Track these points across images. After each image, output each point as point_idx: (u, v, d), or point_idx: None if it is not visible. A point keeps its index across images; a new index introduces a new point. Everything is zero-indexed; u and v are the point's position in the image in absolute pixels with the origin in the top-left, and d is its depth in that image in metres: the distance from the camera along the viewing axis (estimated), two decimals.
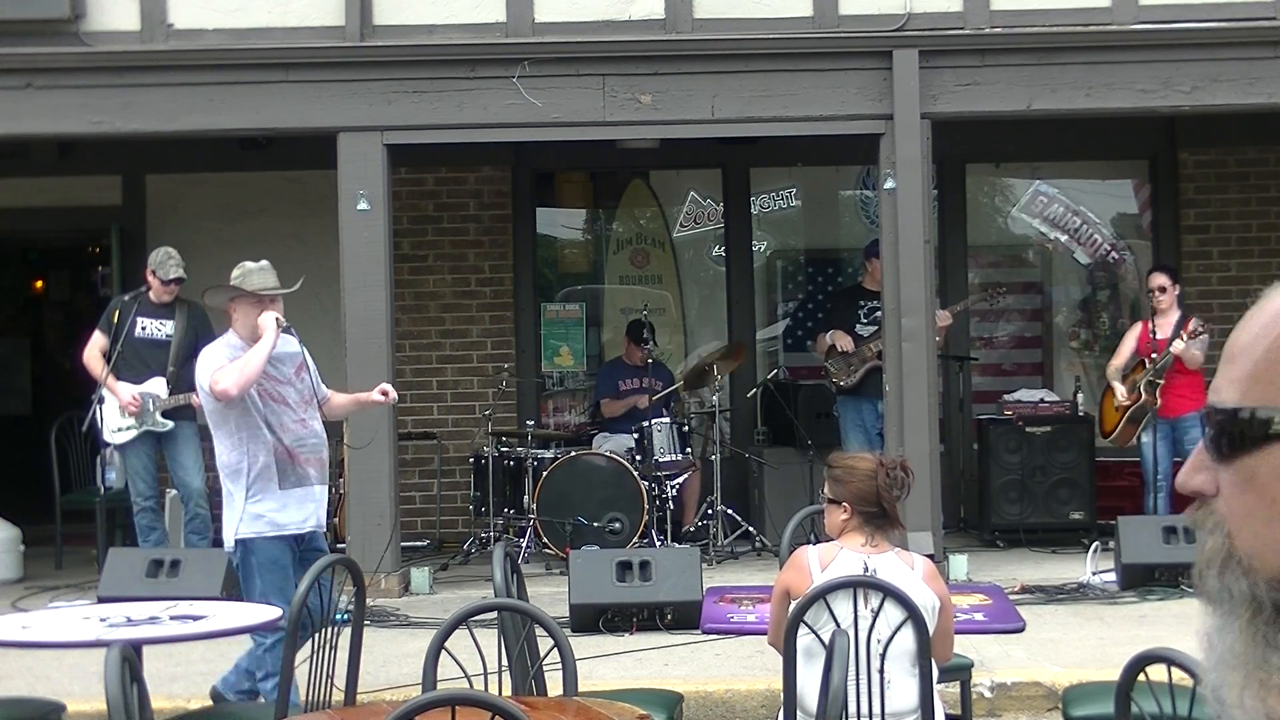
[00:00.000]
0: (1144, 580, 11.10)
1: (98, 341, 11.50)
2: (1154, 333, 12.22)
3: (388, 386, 8.57)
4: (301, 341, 8.34)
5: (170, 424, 11.40)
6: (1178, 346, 12.01)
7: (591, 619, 10.19)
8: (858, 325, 12.72)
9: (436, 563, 12.59)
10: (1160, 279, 12.46)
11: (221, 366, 7.99)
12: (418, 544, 13.41)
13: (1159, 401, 12.15)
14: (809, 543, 6.66)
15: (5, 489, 13.50)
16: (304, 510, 8.11)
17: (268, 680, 7.94)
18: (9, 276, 17.79)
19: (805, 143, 12.66)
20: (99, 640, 6.20)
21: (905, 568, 5.95)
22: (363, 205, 11.68)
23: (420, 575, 11.90)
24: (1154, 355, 12.13)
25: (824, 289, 14.78)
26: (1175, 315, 12.34)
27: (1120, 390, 12.33)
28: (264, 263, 8.39)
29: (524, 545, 12.49)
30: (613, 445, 13.04)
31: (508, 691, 6.05)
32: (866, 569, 5.87)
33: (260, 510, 8.01)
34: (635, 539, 12.22)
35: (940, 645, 5.97)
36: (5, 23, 11.67)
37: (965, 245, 14.68)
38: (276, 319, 8.07)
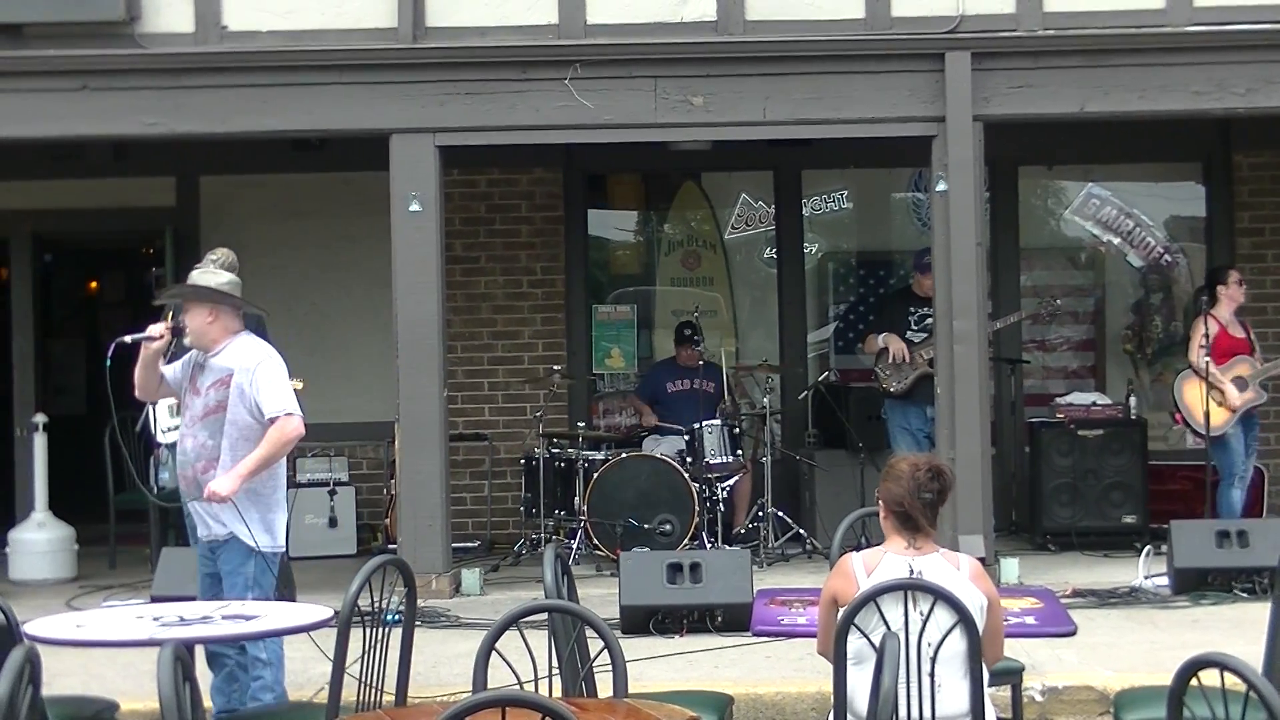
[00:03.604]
0: (1197, 584, 11.03)
1: None
2: (1229, 330, 12.30)
3: (214, 494, 7.83)
4: (258, 359, 8.04)
5: None
6: None
7: (642, 621, 10.20)
8: (908, 331, 12.67)
9: (487, 564, 12.61)
10: (1236, 274, 12.61)
11: None
12: (468, 545, 13.43)
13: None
14: (860, 546, 6.66)
15: (60, 489, 13.57)
16: (195, 519, 8.12)
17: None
18: (64, 278, 17.89)
19: (857, 145, 12.63)
20: (152, 639, 6.22)
21: (951, 568, 5.93)
22: (415, 207, 11.71)
23: (471, 576, 11.91)
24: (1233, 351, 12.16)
25: (875, 291, 14.75)
26: (1234, 314, 12.39)
27: (1233, 391, 12.22)
28: (208, 264, 8.28)
29: (574, 547, 12.52)
30: (664, 447, 13.04)
31: (558, 693, 6.05)
32: (912, 571, 5.85)
33: None
34: (686, 541, 12.23)
35: (990, 645, 5.94)
36: (61, 25, 11.74)
37: (1017, 248, 14.64)
38: (150, 333, 8.01)
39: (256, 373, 7.93)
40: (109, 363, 8.21)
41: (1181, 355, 13.16)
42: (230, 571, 7.99)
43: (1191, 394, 12.47)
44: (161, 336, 7.99)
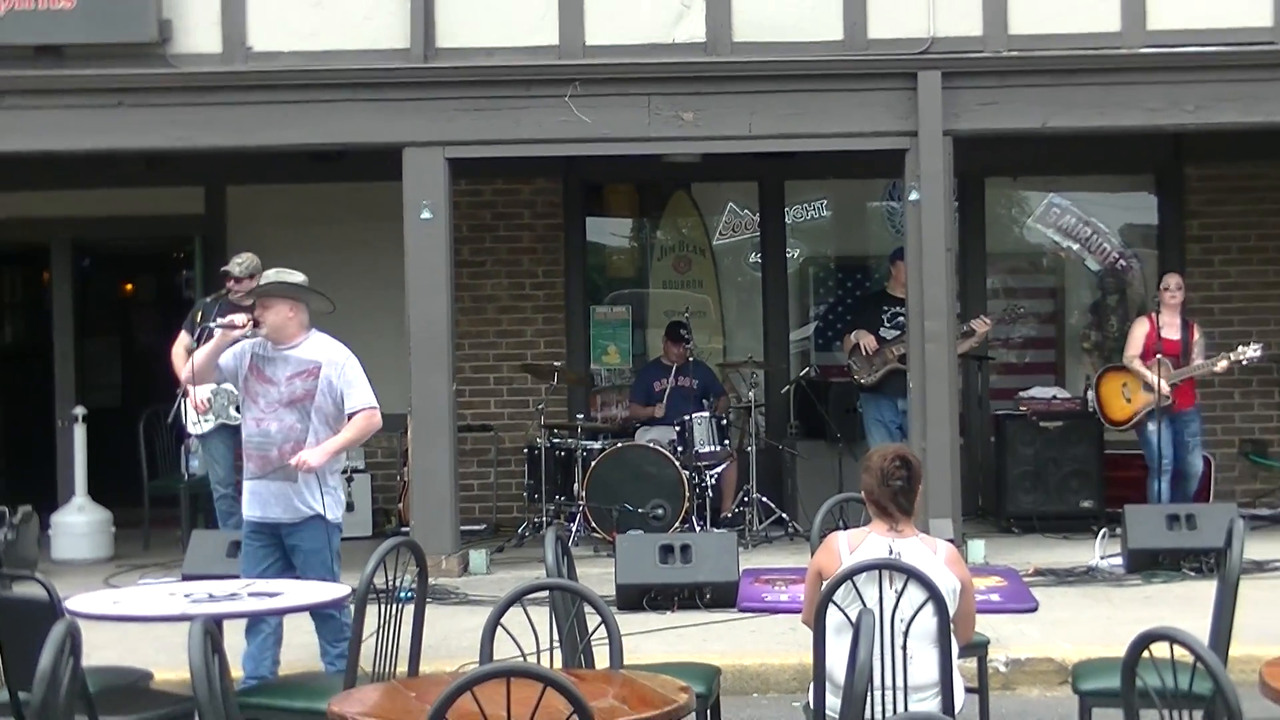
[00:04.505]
0: (1148, 564, 11.05)
1: (183, 341, 11.54)
2: (1160, 330, 12.22)
3: (303, 463, 7.96)
4: (342, 357, 8.18)
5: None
6: (1221, 366, 12.14)
7: (636, 598, 10.20)
8: (881, 329, 12.68)
9: (493, 545, 12.61)
10: (1175, 279, 12.47)
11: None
12: (476, 528, 13.43)
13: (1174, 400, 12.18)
14: (838, 529, 6.65)
15: (98, 476, 13.57)
16: (258, 501, 8.11)
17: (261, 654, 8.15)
18: (101, 281, 17.88)
19: (836, 157, 12.65)
20: (183, 614, 6.23)
21: (928, 552, 5.94)
22: (426, 214, 11.71)
23: (478, 557, 11.92)
24: (1161, 353, 12.10)
25: (853, 293, 14.75)
26: (1179, 317, 12.36)
27: (1142, 389, 12.24)
28: (279, 269, 8.36)
29: (574, 529, 12.51)
30: (656, 437, 13.04)
31: (559, 665, 6.06)
32: (891, 553, 5.87)
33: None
34: (677, 524, 12.22)
35: (962, 626, 5.96)
36: (98, 46, 11.74)
37: (984, 253, 14.64)
38: (232, 322, 8.03)
39: (345, 368, 8.12)
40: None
41: None
42: (315, 550, 8.05)
43: (1105, 388, 12.65)
44: (244, 326, 8.03)
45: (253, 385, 8.08)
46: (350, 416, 8.11)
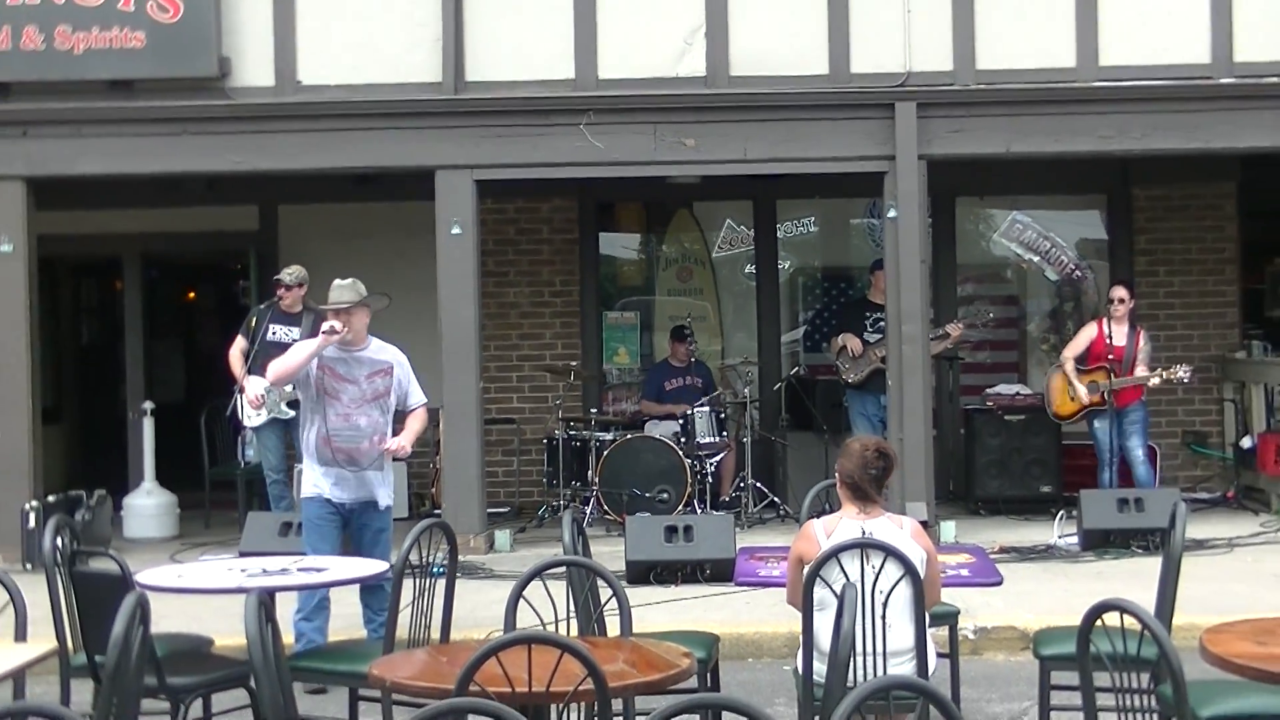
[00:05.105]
0: (1101, 543, 11.06)
1: (239, 344, 11.56)
2: (1110, 338, 12.19)
3: (402, 446, 8.18)
4: (403, 358, 8.30)
5: (292, 412, 11.40)
6: (1154, 382, 12.04)
7: (644, 573, 10.21)
8: (864, 332, 12.67)
9: (516, 526, 12.62)
10: (1121, 291, 12.42)
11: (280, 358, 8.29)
12: (500, 510, 13.42)
13: (1114, 403, 12.12)
14: (824, 511, 6.65)
15: (164, 463, 13.59)
16: (341, 486, 8.07)
17: (309, 621, 8.12)
18: (166, 289, 17.90)
19: (822, 179, 12.65)
20: (240, 587, 6.25)
21: (896, 528, 5.95)
22: (456, 230, 11.72)
23: (502, 536, 11.92)
24: (1110, 357, 12.08)
25: (837, 300, 14.74)
26: (1127, 324, 12.31)
27: (1083, 390, 12.24)
28: (347, 280, 8.28)
29: (588, 512, 12.51)
30: (662, 429, 13.04)
31: (575, 633, 6.07)
32: (864, 533, 5.87)
33: (309, 478, 8.15)
34: (680, 507, 12.22)
35: (929, 590, 5.95)
36: (164, 81, 11.77)
37: (955, 264, 14.63)
38: (333, 327, 8.01)
39: (407, 368, 8.32)
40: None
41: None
42: (383, 529, 8.19)
43: (1055, 385, 12.65)
44: (342, 332, 8.04)
45: (330, 384, 8.06)
46: (410, 411, 8.31)
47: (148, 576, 6.59)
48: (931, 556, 5.99)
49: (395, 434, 8.24)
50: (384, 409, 8.15)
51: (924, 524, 6.24)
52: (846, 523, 5.95)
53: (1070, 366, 12.34)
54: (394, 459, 8.28)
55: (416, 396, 8.34)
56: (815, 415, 13.49)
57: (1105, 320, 12.33)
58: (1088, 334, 12.44)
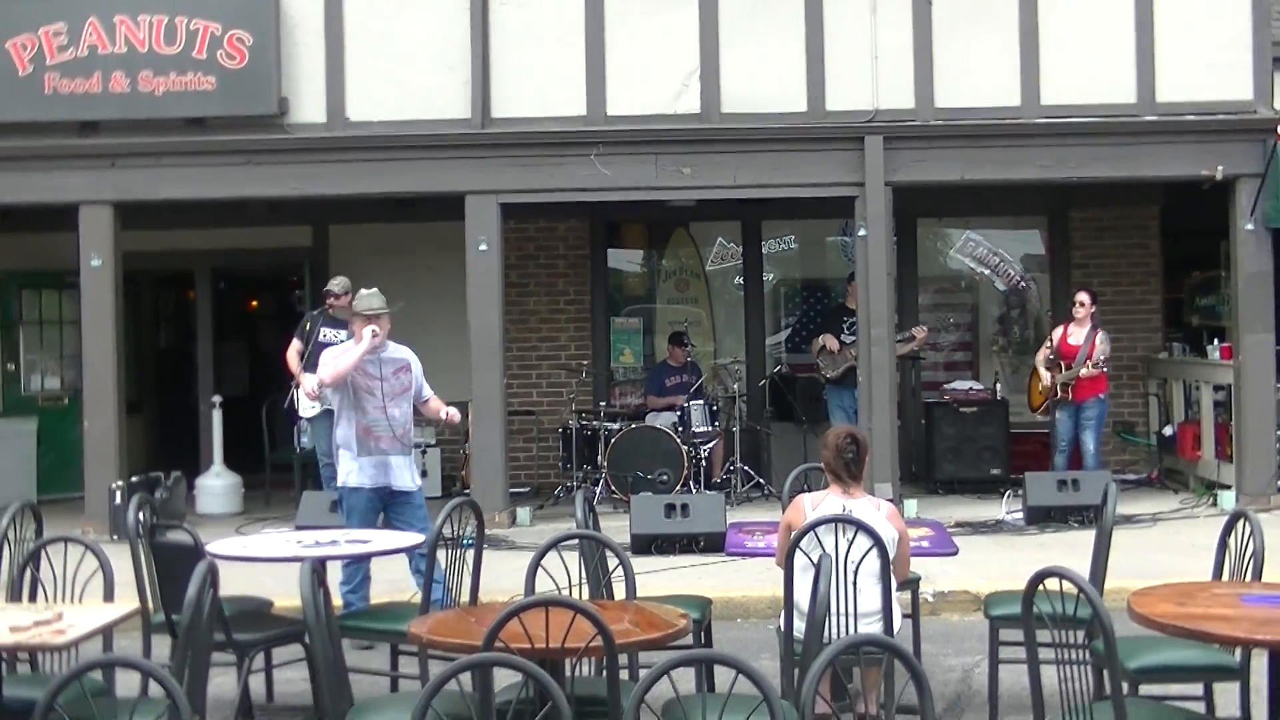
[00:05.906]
0: (1043, 518, 11.05)
1: (295, 345, 11.54)
2: (1069, 338, 12.17)
3: (455, 412, 8.28)
4: (414, 356, 8.27)
5: None
6: (1085, 371, 11.92)
7: (646, 545, 10.21)
8: (841, 334, 12.65)
9: (535, 504, 12.60)
10: (1081, 295, 12.30)
11: (327, 362, 8.10)
12: (521, 490, 13.42)
13: (1071, 396, 12.04)
14: (803, 491, 6.65)
15: (231, 449, 13.59)
16: (379, 472, 8.02)
17: (354, 593, 8.11)
18: (232, 298, 17.91)
19: (801, 202, 12.62)
20: (296, 556, 6.25)
21: (873, 509, 5.96)
22: (483, 247, 11.72)
23: (523, 513, 11.92)
24: (1065, 356, 12.04)
25: (815, 308, 14.74)
26: (1088, 326, 12.16)
27: (1046, 380, 12.19)
28: (371, 289, 8.27)
29: (598, 492, 12.51)
30: (662, 420, 13.04)
31: (586, 596, 6.07)
32: (844, 510, 5.87)
33: (350, 467, 8.05)
34: (678, 487, 12.22)
35: (900, 566, 5.98)
36: (231, 118, 11.78)
37: (916, 277, 14.61)
38: (374, 331, 7.98)
39: (418, 364, 8.29)
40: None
41: (1032, 354, 13.15)
42: (420, 504, 8.16)
43: (1031, 380, 12.59)
44: (380, 335, 8.04)
45: (361, 382, 8.02)
46: (424, 402, 8.29)
47: (217, 547, 6.59)
48: (904, 537, 6.00)
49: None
50: (409, 400, 8.17)
51: (891, 502, 6.23)
52: (831, 499, 5.97)
53: (1040, 362, 12.26)
54: (450, 425, 8.41)
55: (428, 389, 8.34)
56: (795, 407, 13.49)
57: (1069, 323, 12.30)
58: (1055, 335, 12.35)
